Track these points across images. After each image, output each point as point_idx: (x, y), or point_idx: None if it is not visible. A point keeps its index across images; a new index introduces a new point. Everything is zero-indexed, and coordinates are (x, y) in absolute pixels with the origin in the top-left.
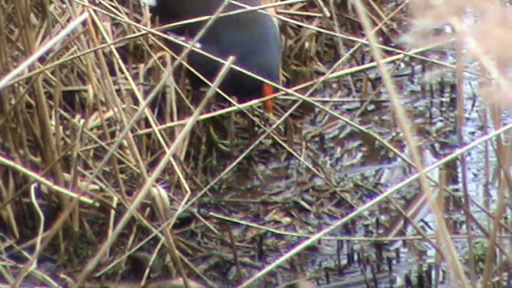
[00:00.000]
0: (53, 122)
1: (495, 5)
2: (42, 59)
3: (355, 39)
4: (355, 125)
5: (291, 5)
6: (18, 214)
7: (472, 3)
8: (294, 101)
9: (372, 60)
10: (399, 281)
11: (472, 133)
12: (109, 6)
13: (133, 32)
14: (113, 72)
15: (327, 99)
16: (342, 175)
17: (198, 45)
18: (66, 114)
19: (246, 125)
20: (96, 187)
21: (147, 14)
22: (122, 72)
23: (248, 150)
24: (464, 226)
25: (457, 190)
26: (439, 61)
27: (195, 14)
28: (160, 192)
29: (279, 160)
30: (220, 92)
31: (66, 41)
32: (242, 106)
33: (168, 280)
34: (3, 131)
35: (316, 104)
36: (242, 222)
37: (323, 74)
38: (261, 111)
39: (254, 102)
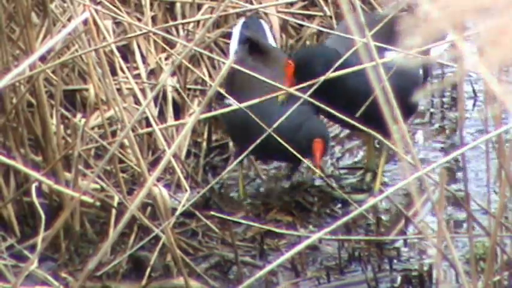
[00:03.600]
0: (54, 121)
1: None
2: (43, 58)
3: (354, 38)
4: (355, 124)
5: (292, 4)
6: (19, 213)
7: (468, 15)
8: None
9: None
10: (400, 280)
11: (473, 133)
12: (110, 5)
13: (135, 31)
14: (114, 72)
15: None
16: (342, 175)
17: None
18: (67, 114)
19: None
20: (97, 186)
21: (148, 13)
22: (123, 72)
23: (249, 150)
24: (465, 225)
25: (458, 190)
26: (439, 60)
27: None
28: (161, 192)
29: None
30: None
31: (67, 40)
32: (243, 105)
33: (169, 279)
34: (4, 130)
35: (317, 103)
36: (243, 221)
37: None
38: None
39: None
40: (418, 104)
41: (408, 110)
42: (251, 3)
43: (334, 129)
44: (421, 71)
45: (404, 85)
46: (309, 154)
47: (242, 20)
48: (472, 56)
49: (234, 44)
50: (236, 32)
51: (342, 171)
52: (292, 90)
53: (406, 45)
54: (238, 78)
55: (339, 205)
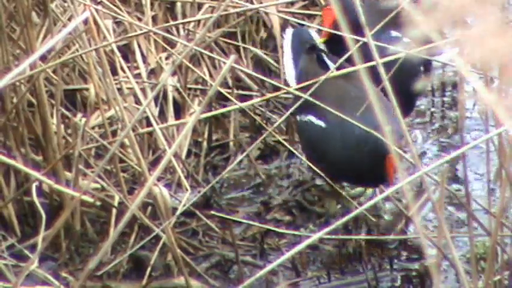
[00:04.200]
0: (55, 121)
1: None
2: (43, 58)
3: (355, 37)
4: (356, 123)
5: (292, 3)
6: (19, 213)
7: (460, 13)
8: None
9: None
10: (400, 279)
11: (474, 132)
12: (110, 5)
13: (135, 31)
14: (114, 71)
15: None
16: None
17: (324, 125)
18: (67, 113)
19: (248, 124)
20: (98, 186)
21: (149, 13)
22: (124, 71)
23: (250, 149)
24: (465, 225)
25: (459, 190)
26: (440, 60)
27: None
28: (162, 191)
29: (281, 159)
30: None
31: (68, 39)
32: (243, 104)
33: (170, 279)
34: (4, 129)
35: (317, 102)
36: (243, 220)
37: None
38: (262, 109)
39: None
40: (419, 93)
41: (407, 104)
42: (252, 2)
43: None
44: (422, 67)
45: (404, 77)
46: (380, 173)
47: (290, 31)
48: (464, 66)
49: (288, 58)
50: (287, 46)
51: None
52: (292, 90)
53: (409, 37)
54: (323, 91)
55: (339, 205)
